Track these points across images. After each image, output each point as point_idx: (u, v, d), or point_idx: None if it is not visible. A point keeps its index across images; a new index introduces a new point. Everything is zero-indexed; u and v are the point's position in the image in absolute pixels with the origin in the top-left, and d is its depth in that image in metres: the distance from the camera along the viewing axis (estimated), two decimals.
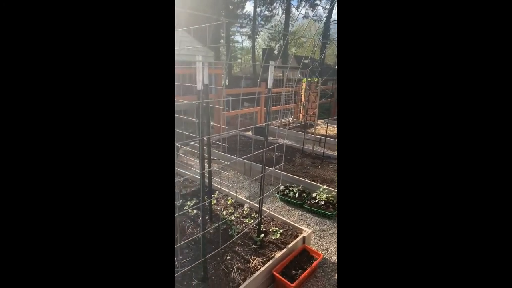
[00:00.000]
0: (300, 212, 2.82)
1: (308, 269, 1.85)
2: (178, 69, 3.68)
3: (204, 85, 1.41)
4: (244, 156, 2.30)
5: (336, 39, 6.36)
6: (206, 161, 2.15)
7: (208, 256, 1.73)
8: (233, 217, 2.41)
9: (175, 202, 2.62)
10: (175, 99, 1.72)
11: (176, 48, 1.75)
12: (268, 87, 1.77)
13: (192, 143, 4.52)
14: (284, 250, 1.96)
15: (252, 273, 1.78)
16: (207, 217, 2.33)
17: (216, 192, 2.86)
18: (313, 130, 4.73)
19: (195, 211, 2.51)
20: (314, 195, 2.93)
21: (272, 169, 2.51)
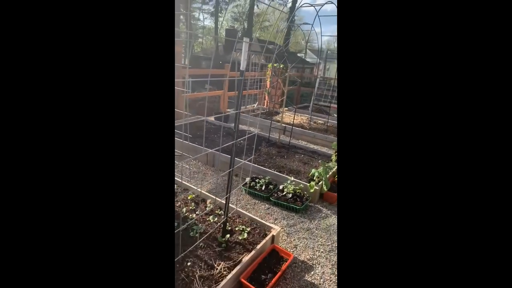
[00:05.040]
0: (267, 205, 2.67)
1: (279, 273, 1.71)
2: None
3: None
4: (214, 149, 2.01)
5: (301, 25, 6.21)
6: None
7: None
8: (194, 215, 2.15)
9: None
10: None
11: None
12: (241, 68, 1.50)
13: None
14: (253, 252, 1.78)
15: (217, 281, 1.57)
16: None
17: (175, 185, 2.54)
18: (279, 118, 4.60)
19: None
20: (281, 187, 2.79)
21: (243, 161, 2.27)
